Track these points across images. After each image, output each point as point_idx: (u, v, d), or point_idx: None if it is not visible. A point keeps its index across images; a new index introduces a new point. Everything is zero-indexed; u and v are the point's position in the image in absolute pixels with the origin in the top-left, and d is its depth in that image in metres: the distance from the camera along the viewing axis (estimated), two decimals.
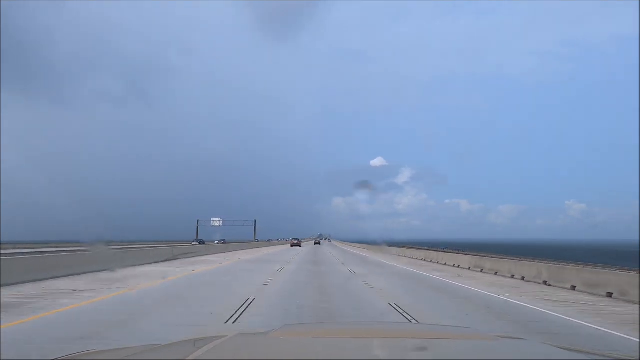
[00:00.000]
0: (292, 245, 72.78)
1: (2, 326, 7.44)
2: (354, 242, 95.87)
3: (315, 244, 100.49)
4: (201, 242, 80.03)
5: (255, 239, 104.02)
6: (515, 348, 1.99)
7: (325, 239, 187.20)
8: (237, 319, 8.70)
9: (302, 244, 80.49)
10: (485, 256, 30.19)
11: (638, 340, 7.62)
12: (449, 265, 26.85)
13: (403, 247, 62.56)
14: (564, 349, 1.92)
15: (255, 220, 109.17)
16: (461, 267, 24.70)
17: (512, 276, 18.89)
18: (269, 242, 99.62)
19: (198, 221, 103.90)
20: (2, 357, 5.49)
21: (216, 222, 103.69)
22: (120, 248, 34.28)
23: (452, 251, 52.81)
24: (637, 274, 13.90)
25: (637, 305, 11.25)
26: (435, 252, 37.02)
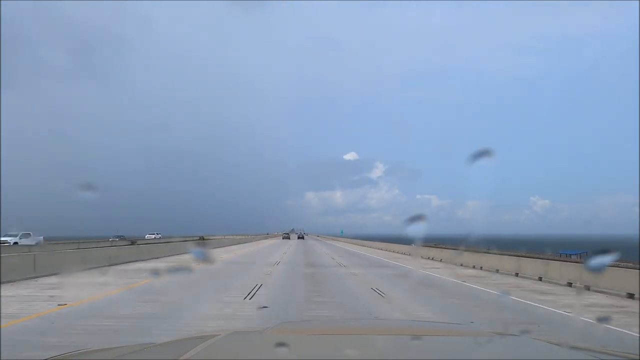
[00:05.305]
0: (283, 238, 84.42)
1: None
2: (354, 238, 72.42)
3: (299, 238, 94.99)
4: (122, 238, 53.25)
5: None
6: (510, 344, 1.97)
7: (304, 234, 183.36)
8: None
9: (270, 240, 79.20)
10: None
11: (638, 336, 7.38)
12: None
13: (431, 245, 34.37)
14: (560, 345, 1.92)
15: None
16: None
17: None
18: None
19: None
20: (2, 357, 5.56)
21: None
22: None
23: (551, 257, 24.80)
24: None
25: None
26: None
